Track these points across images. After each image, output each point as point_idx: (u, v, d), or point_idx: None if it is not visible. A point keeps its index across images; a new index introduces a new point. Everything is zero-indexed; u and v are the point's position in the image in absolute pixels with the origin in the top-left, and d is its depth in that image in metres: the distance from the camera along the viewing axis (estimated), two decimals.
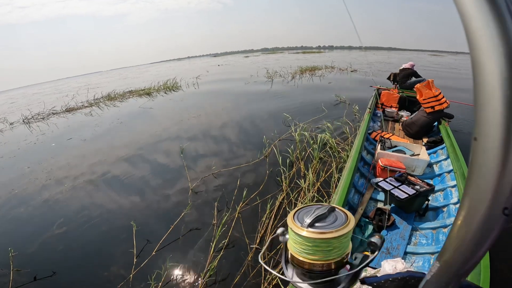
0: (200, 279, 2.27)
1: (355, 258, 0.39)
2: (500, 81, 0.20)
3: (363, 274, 0.37)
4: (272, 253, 2.46)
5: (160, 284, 2.25)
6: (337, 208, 0.40)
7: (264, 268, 2.30)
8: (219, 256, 2.47)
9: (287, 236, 0.40)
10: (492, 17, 0.20)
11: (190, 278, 2.35)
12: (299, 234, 0.36)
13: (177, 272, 2.41)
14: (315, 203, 0.42)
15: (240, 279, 2.25)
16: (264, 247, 0.46)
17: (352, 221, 0.37)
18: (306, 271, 0.37)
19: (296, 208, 0.40)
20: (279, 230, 0.41)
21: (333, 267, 0.37)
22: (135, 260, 2.55)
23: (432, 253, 2.07)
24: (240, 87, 12.53)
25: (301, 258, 0.37)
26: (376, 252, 0.38)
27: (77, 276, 2.50)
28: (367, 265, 0.38)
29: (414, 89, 4.31)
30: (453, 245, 0.27)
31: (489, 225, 0.24)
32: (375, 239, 0.38)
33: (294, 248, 0.38)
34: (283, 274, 0.41)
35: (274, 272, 0.41)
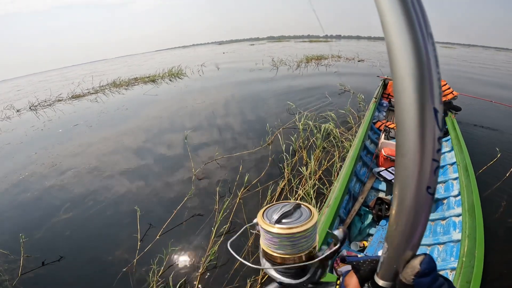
0: (201, 263, 2.33)
1: (321, 250, 0.41)
2: (409, 73, 0.23)
3: (345, 253, 0.39)
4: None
5: (162, 268, 2.32)
6: (303, 204, 0.42)
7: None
8: (220, 241, 2.53)
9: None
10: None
11: (191, 262, 2.41)
12: (268, 231, 0.38)
13: (179, 257, 2.48)
14: (282, 201, 0.43)
15: (240, 264, 2.31)
16: (236, 235, 0.48)
17: (316, 216, 0.39)
18: (278, 265, 0.40)
19: (265, 207, 0.42)
20: (255, 220, 0.43)
21: (304, 259, 0.39)
22: (139, 244, 2.62)
23: (429, 245, 2.08)
24: (245, 75, 12.42)
25: (273, 254, 0.39)
26: (338, 245, 0.39)
27: (83, 260, 2.57)
28: (330, 257, 0.40)
29: None
30: (394, 225, 0.29)
31: (418, 204, 0.26)
32: (337, 232, 0.40)
33: (265, 243, 0.40)
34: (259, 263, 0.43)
35: (243, 261, 0.44)
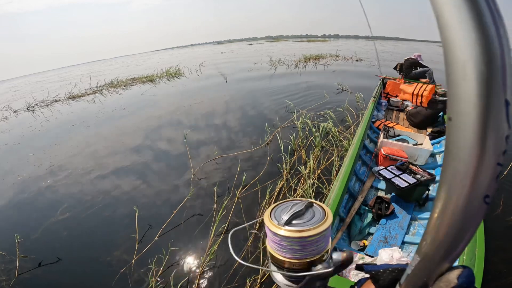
0: (200, 263, 2.32)
1: (331, 256, 0.37)
2: (472, 56, 0.18)
3: (360, 261, 0.35)
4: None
5: (161, 268, 2.30)
6: (315, 203, 0.38)
7: (263, 254, 2.34)
8: (219, 240, 2.51)
9: None
10: None
11: (191, 262, 2.40)
12: (276, 233, 0.34)
13: (178, 257, 2.46)
14: (292, 199, 0.40)
15: (239, 264, 2.29)
16: (237, 228, 0.44)
17: (330, 217, 0.35)
18: (286, 270, 0.35)
19: (273, 205, 0.39)
20: (258, 219, 0.41)
21: (312, 265, 0.35)
22: (137, 245, 2.60)
23: None
24: (243, 75, 12.40)
25: (280, 258, 0.35)
26: (331, 270, 0.35)
27: (81, 261, 2.55)
28: (338, 271, 0.36)
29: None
30: (432, 238, 0.25)
31: (469, 215, 0.22)
32: (336, 254, 0.36)
33: (272, 246, 0.36)
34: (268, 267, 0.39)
35: (242, 261, 0.40)
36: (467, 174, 0.20)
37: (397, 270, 0.31)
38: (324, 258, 0.35)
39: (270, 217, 0.37)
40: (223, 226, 2.68)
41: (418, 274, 0.27)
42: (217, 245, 2.43)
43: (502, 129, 0.19)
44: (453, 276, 0.24)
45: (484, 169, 0.20)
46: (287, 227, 0.34)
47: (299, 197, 2.86)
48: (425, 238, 0.26)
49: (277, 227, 0.34)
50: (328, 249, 0.36)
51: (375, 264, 0.33)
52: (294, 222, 0.34)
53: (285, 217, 0.35)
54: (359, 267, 0.35)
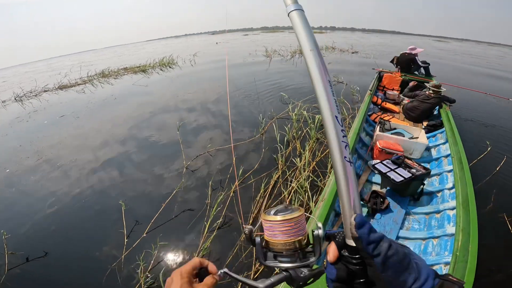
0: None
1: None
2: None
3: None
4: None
5: (150, 265, 2.25)
6: (288, 206, 0.49)
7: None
8: (212, 236, 2.46)
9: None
10: None
11: (183, 258, 2.34)
12: (270, 220, 0.47)
13: (169, 253, 2.40)
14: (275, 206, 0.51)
15: (233, 259, 2.25)
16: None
17: (302, 210, 0.48)
18: (277, 252, 0.46)
19: (263, 211, 0.50)
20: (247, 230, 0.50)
21: (297, 245, 0.46)
22: (125, 240, 2.53)
23: (424, 239, 2.05)
24: (238, 65, 12.19)
25: (274, 241, 0.46)
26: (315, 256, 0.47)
27: (69, 256, 2.49)
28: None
29: None
30: (339, 195, 0.39)
31: (342, 168, 0.39)
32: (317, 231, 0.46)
33: (268, 234, 0.47)
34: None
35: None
36: (334, 146, 0.39)
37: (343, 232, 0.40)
38: (305, 241, 0.47)
39: (265, 215, 0.49)
40: (216, 221, 2.62)
41: (346, 225, 0.38)
42: (210, 241, 2.38)
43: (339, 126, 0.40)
44: (352, 219, 0.36)
45: (340, 143, 0.39)
46: (277, 216, 0.46)
47: (294, 192, 2.82)
48: (339, 196, 0.39)
49: (271, 217, 0.47)
50: (306, 233, 0.48)
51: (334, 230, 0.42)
52: (279, 214, 0.47)
53: (272, 211, 0.48)
54: (327, 237, 0.42)
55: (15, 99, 10.05)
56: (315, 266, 0.46)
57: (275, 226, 0.45)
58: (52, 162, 4.29)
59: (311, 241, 0.47)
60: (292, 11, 0.47)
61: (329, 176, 2.78)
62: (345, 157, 0.38)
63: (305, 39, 0.44)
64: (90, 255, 2.46)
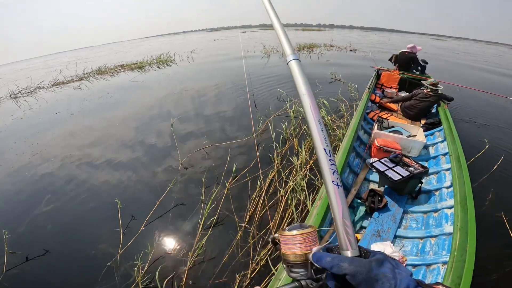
0: (188, 258, 2.24)
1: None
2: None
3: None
4: (261, 232, 2.43)
5: (147, 263, 2.22)
6: (303, 224, 0.51)
7: (253, 248, 2.28)
8: (208, 234, 2.43)
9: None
10: None
11: (179, 256, 2.32)
12: (287, 235, 0.48)
13: (164, 251, 2.38)
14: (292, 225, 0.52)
15: (229, 258, 2.23)
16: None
17: (314, 227, 0.48)
18: (289, 262, 0.47)
19: (280, 230, 0.51)
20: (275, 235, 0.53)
21: (308, 258, 0.47)
22: (121, 239, 2.50)
23: (421, 238, 2.04)
24: (235, 63, 12.12)
25: (288, 253, 0.47)
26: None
27: (67, 254, 2.46)
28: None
29: None
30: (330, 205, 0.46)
31: (332, 189, 0.46)
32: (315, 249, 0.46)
33: (284, 249, 0.48)
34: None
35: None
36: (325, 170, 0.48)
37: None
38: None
39: (282, 232, 0.50)
40: (212, 219, 2.59)
41: (338, 234, 0.44)
42: (205, 239, 2.35)
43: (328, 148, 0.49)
44: (310, 256, 0.44)
45: (328, 166, 0.48)
46: (290, 232, 0.48)
47: (290, 190, 2.80)
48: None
49: (287, 232, 0.48)
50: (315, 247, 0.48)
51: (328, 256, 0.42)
52: (294, 230, 0.48)
53: (287, 228, 0.50)
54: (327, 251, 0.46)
55: (10, 96, 9.93)
56: None
57: (293, 240, 0.48)
58: (47, 159, 4.23)
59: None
60: (291, 60, 0.59)
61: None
62: (333, 181, 0.46)
63: (301, 84, 0.55)
64: (87, 253, 2.43)
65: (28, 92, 10.20)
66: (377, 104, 4.64)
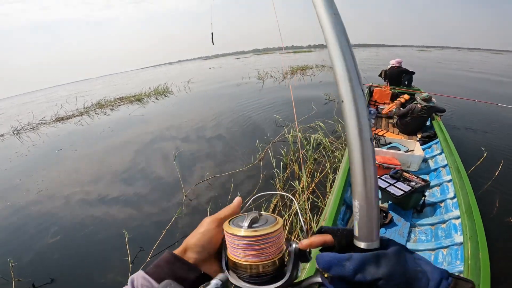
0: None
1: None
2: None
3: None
4: None
5: None
6: (264, 213, 0.41)
7: None
8: None
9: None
10: None
11: None
12: (240, 236, 0.35)
13: None
14: (242, 214, 0.44)
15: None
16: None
17: (280, 221, 0.38)
18: (251, 275, 0.36)
19: (228, 220, 0.40)
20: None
21: (277, 263, 0.37)
22: (130, 268, 2.52)
23: (433, 249, 2.05)
24: (231, 90, 12.47)
25: (245, 263, 0.36)
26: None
27: (74, 283, 2.51)
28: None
29: None
30: (356, 183, 0.32)
31: (366, 149, 0.32)
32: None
33: (237, 254, 0.36)
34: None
35: None
36: (360, 129, 0.32)
37: (349, 231, 0.35)
38: (283, 257, 0.38)
39: (229, 225, 0.38)
40: None
41: (363, 218, 0.32)
42: None
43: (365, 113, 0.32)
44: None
45: (366, 125, 0.32)
46: (249, 229, 0.36)
47: (294, 214, 2.82)
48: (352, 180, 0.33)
49: (241, 230, 0.36)
50: (283, 249, 0.39)
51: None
52: (253, 225, 0.37)
53: (245, 223, 0.36)
54: (318, 231, 0.38)
55: (13, 132, 10.09)
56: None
57: (248, 244, 0.35)
58: (52, 195, 4.29)
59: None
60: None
61: (328, 196, 2.79)
62: (371, 138, 0.32)
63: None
64: (96, 281, 2.48)
65: (31, 128, 10.38)
66: (373, 121, 4.77)
